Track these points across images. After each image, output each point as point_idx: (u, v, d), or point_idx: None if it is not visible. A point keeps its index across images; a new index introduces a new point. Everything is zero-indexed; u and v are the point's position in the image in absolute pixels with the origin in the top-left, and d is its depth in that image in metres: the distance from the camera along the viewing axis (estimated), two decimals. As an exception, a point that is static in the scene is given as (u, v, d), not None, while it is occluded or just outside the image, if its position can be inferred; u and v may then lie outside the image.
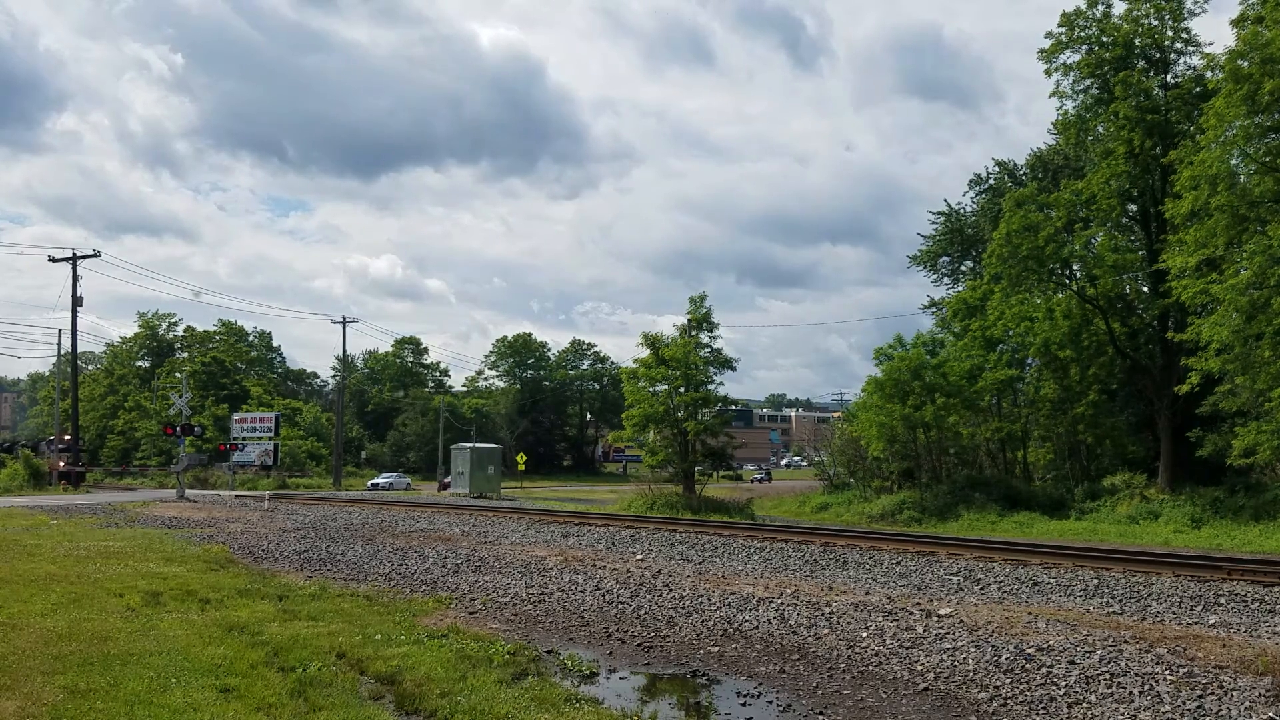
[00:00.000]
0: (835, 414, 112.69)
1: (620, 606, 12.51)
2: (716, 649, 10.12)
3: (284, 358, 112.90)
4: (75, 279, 52.42)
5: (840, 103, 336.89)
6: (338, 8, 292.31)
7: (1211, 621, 11.23)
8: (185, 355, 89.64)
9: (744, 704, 8.13)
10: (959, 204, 49.93)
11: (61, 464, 57.67)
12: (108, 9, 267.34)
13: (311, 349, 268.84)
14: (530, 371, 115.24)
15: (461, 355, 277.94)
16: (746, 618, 11.43)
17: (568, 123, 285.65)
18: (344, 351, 76.72)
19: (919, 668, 8.96)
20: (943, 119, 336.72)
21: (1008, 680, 8.31)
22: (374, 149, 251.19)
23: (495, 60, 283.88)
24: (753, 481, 79.31)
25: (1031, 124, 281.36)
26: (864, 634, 10.26)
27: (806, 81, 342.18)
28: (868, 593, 13.07)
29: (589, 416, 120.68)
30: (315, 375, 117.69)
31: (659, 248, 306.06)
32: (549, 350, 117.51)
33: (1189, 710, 7.29)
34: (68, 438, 65.10)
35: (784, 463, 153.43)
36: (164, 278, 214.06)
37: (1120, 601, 12.93)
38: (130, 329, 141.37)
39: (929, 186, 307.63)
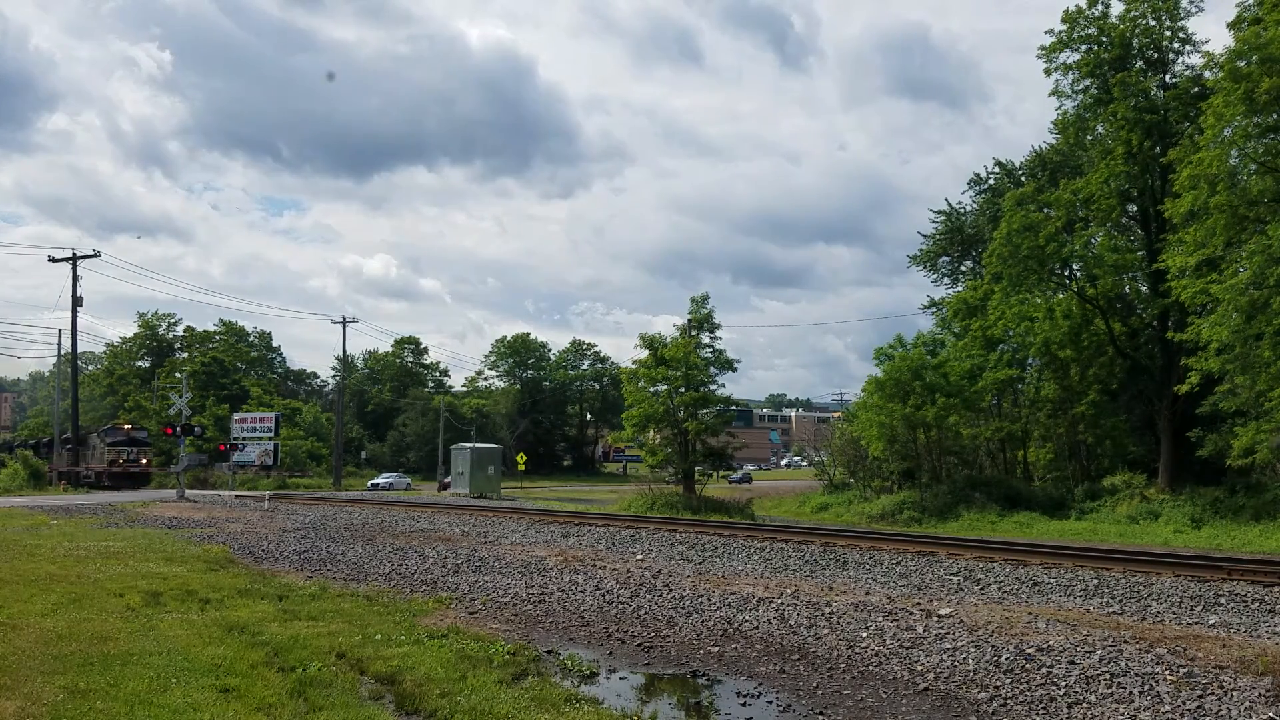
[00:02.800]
0: (835, 414, 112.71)
1: (620, 606, 12.51)
2: (716, 649, 10.12)
3: (284, 358, 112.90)
4: (75, 279, 52.49)
5: (829, 102, 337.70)
6: (324, 7, 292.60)
7: (1211, 621, 11.23)
8: (185, 355, 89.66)
9: (744, 704, 8.13)
10: (959, 204, 50.00)
11: (121, 459, 53.19)
12: (95, 7, 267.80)
13: (311, 349, 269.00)
14: (530, 372, 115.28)
15: (458, 355, 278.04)
16: (746, 618, 11.43)
17: (559, 122, 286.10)
18: (344, 351, 76.81)
19: (919, 668, 8.96)
20: (932, 119, 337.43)
21: (1008, 680, 8.31)
22: (366, 148, 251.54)
23: (484, 59, 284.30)
24: (730, 483, 74.95)
25: (1020, 124, 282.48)
26: (864, 634, 10.26)
27: (795, 81, 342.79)
28: (868, 593, 13.07)
29: (589, 416, 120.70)
30: (315, 375, 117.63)
31: (653, 247, 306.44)
32: (549, 350, 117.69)
33: (1189, 710, 7.29)
34: (127, 426, 58.67)
35: (784, 463, 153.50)
36: (163, 278, 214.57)
37: (1120, 601, 12.92)
38: (126, 329, 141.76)
39: (921, 186, 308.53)
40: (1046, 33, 34.71)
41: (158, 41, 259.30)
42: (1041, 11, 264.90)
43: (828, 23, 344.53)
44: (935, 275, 50.95)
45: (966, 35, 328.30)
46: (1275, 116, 25.06)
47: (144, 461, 55.49)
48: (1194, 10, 33.64)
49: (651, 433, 46.41)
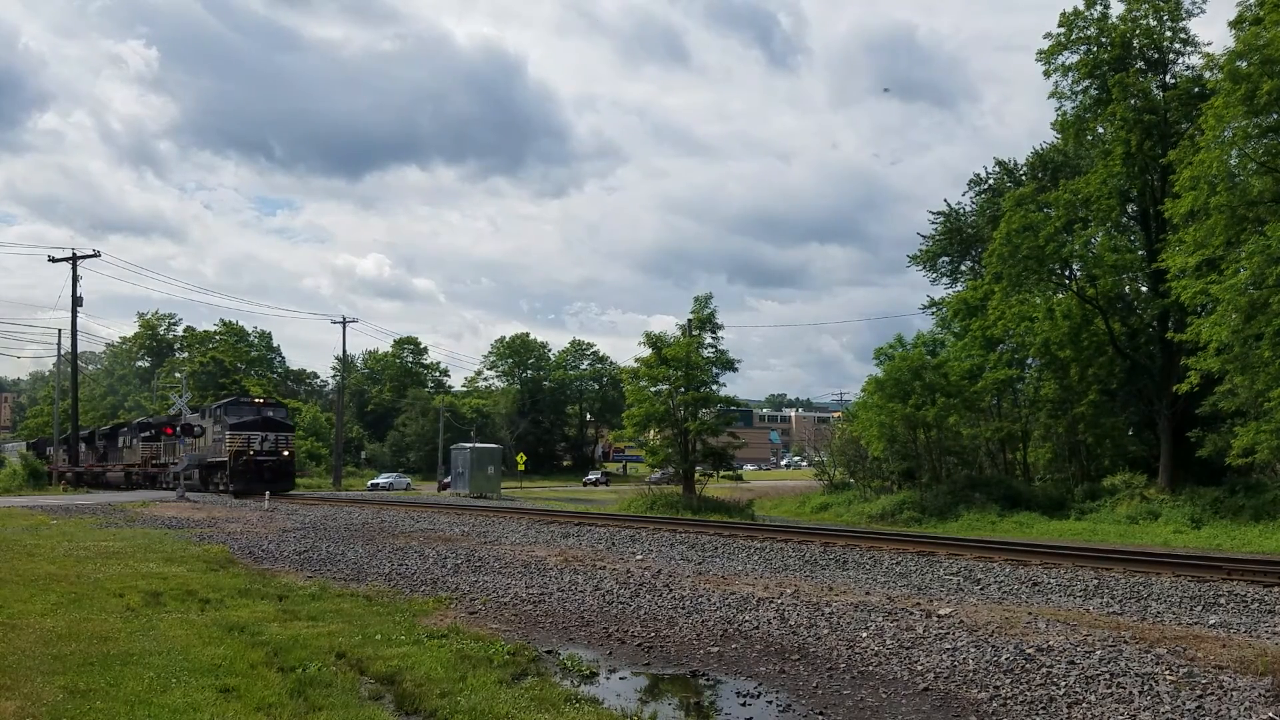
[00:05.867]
0: (835, 414, 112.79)
1: (620, 606, 12.51)
2: (716, 649, 10.12)
3: (284, 358, 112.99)
4: (75, 279, 52.46)
5: (818, 101, 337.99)
6: (309, 5, 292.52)
7: (1211, 621, 11.22)
8: (185, 355, 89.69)
9: (744, 704, 8.12)
10: (958, 204, 50.05)
11: (254, 449, 39.86)
12: (81, 6, 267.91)
13: (310, 349, 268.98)
14: (530, 372, 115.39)
15: (454, 354, 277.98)
16: (746, 618, 11.43)
17: (550, 121, 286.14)
18: (344, 351, 76.83)
19: (919, 668, 8.95)
20: (921, 119, 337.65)
21: (1008, 680, 8.31)
22: (358, 147, 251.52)
23: (473, 57, 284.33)
24: (584, 484, 76.20)
25: (1008, 124, 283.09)
26: (864, 634, 10.26)
27: (783, 80, 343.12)
28: (868, 593, 13.06)
29: (589, 417, 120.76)
30: (315, 375, 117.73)
31: (647, 247, 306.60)
32: (548, 350, 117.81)
33: (1189, 710, 7.29)
34: (259, 399, 46.50)
35: (784, 463, 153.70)
36: (160, 276, 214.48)
37: (1120, 601, 12.92)
38: (122, 328, 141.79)
39: (912, 186, 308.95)
40: (1045, 36, 34.81)
41: (144, 40, 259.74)
42: (1030, 11, 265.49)
43: (815, 21, 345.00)
44: (935, 275, 51.04)
45: (953, 35, 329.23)
46: (1275, 117, 25.07)
47: (285, 453, 39.83)
48: (1196, 11, 33.68)
49: (652, 432, 46.40)
